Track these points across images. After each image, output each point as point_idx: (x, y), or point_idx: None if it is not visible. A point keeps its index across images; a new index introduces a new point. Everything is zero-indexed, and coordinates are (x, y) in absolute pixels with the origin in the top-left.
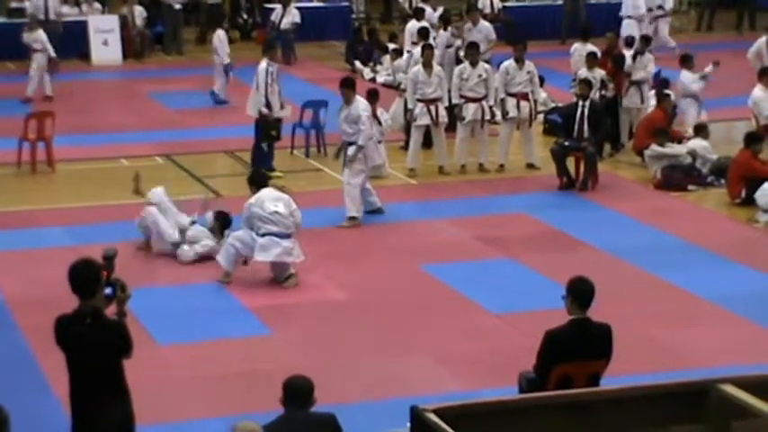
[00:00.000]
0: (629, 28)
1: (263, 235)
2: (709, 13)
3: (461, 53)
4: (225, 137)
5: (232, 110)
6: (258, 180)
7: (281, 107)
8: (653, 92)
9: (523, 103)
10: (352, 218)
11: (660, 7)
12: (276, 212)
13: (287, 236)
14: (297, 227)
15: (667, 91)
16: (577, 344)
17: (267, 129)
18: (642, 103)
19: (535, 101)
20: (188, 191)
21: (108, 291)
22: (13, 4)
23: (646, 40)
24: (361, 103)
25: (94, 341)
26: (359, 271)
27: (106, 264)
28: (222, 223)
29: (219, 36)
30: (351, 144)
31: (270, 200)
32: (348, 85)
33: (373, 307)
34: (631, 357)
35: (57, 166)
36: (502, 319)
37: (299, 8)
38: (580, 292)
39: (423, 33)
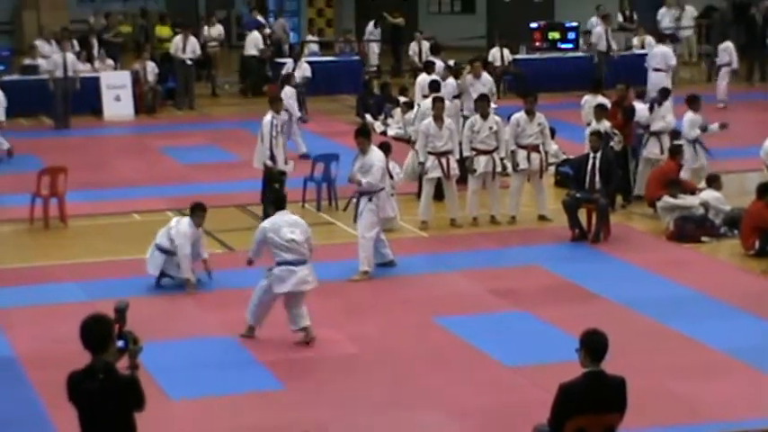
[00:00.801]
0: (659, 80)
1: (279, 264)
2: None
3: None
4: (235, 191)
5: (242, 164)
6: (277, 202)
7: (286, 161)
8: None
9: (534, 155)
10: (365, 272)
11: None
12: (293, 240)
13: (302, 262)
14: (311, 253)
15: (678, 142)
16: (591, 397)
17: (271, 181)
18: (662, 153)
19: (546, 152)
20: None
21: (120, 343)
22: (27, 61)
23: (664, 91)
24: (376, 154)
25: (107, 397)
26: (371, 324)
27: (118, 316)
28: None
29: (287, 92)
30: (362, 195)
31: (287, 226)
32: (364, 134)
33: (386, 361)
34: (646, 410)
35: (69, 221)
36: (515, 371)
37: (309, 62)
38: (593, 345)
39: (433, 86)
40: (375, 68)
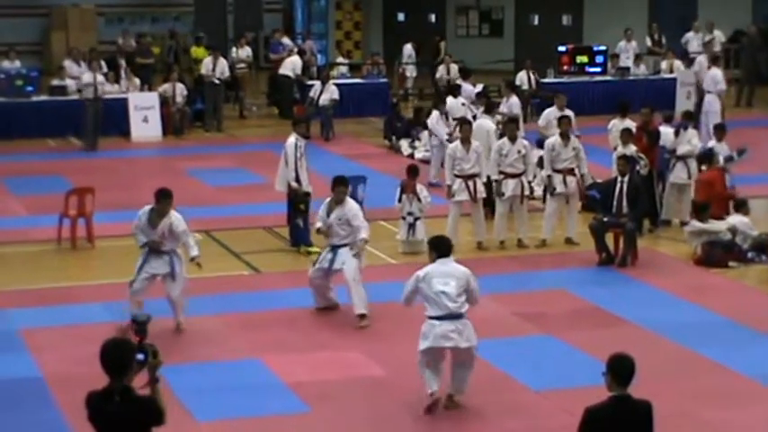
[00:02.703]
0: (712, 103)
1: (428, 318)
2: (748, 89)
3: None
4: (262, 213)
5: (269, 186)
6: (439, 246)
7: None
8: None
9: (569, 178)
10: (364, 315)
11: None
12: (443, 293)
13: (449, 317)
14: (474, 303)
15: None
16: (617, 421)
17: (296, 203)
18: (689, 178)
19: (582, 175)
20: (227, 267)
21: (140, 356)
22: (55, 82)
23: (689, 115)
24: (352, 203)
25: (124, 418)
26: (398, 347)
27: (138, 328)
28: None
29: (434, 117)
30: (344, 246)
31: (439, 276)
32: (345, 184)
33: (412, 383)
34: None
35: (96, 242)
36: (542, 395)
37: (337, 84)
38: (620, 369)
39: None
40: (403, 92)
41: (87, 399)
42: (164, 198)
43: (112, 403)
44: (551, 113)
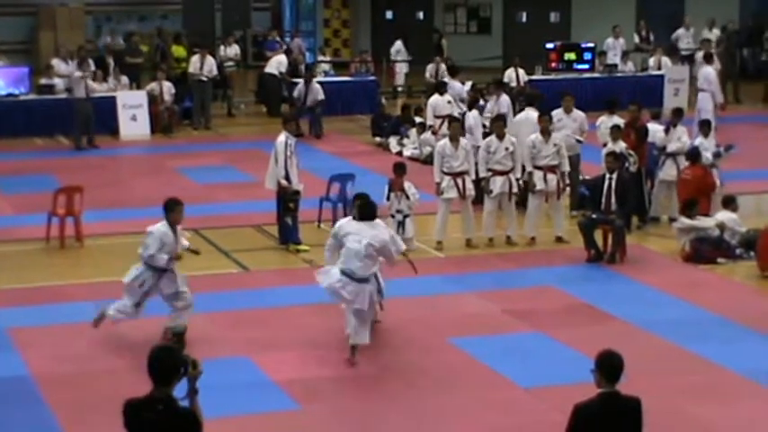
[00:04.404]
0: (703, 101)
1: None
2: (732, 85)
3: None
4: (251, 211)
5: (258, 184)
6: (367, 212)
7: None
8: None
9: (550, 176)
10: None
11: None
12: (370, 244)
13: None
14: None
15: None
16: (606, 417)
17: (285, 201)
18: (678, 175)
19: (562, 173)
20: (216, 265)
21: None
22: (43, 81)
23: (678, 112)
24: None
25: (164, 429)
26: (387, 344)
27: (176, 339)
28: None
29: (473, 116)
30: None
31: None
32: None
33: (402, 381)
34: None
35: (85, 240)
36: (530, 393)
37: (326, 82)
38: (609, 365)
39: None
40: (392, 89)
41: (125, 407)
42: (177, 206)
43: (155, 412)
44: (557, 115)
